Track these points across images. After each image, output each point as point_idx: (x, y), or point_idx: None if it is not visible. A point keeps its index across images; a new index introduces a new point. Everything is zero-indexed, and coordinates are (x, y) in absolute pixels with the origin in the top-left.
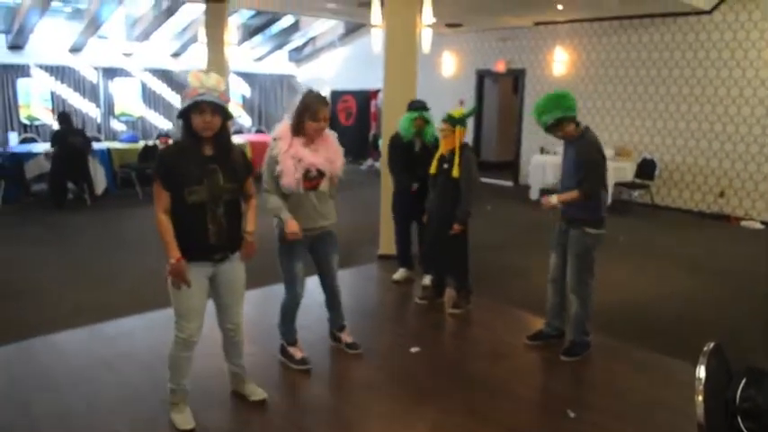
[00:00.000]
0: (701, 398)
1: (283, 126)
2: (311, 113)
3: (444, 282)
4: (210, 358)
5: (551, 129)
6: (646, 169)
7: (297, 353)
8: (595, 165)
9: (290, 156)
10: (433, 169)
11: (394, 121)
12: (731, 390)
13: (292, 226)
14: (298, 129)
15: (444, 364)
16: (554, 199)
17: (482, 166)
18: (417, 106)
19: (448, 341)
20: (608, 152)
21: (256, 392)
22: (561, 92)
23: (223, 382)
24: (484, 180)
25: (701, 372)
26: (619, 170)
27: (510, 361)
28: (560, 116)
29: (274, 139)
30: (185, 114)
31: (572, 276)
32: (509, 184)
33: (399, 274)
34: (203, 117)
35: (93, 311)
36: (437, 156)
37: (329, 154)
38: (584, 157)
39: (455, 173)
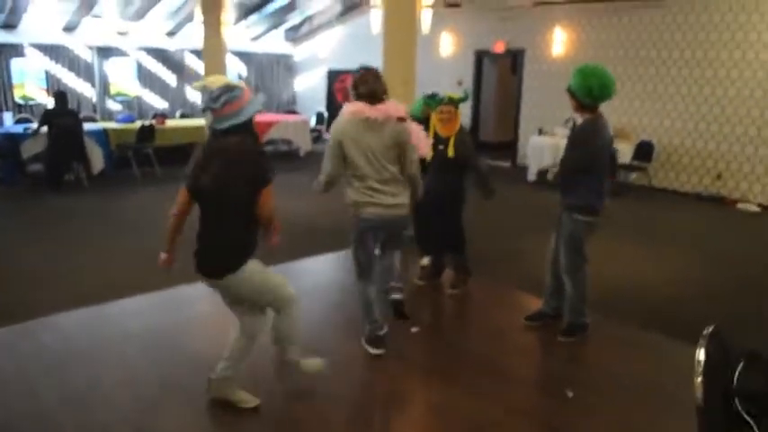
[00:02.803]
0: (699, 380)
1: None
2: None
3: (443, 262)
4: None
5: (570, 93)
6: (643, 151)
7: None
8: (582, 142)
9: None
10: (430, 155)
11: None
12: (730, 373)
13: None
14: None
15: (443, 343)
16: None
17: (480, 147)
18: (429, 97)
19: (447, 321)
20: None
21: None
22: (601, 74)
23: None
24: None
25: (701, 354)
26: (617, 152)
27: (508, 341)
28: (573, 89)
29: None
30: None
31: (564, 259)
32: (507, 164)
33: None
34: None
35: (93, 293)
36: (431, 138)
37: None
38: (577, 133)
39: (450, 152)
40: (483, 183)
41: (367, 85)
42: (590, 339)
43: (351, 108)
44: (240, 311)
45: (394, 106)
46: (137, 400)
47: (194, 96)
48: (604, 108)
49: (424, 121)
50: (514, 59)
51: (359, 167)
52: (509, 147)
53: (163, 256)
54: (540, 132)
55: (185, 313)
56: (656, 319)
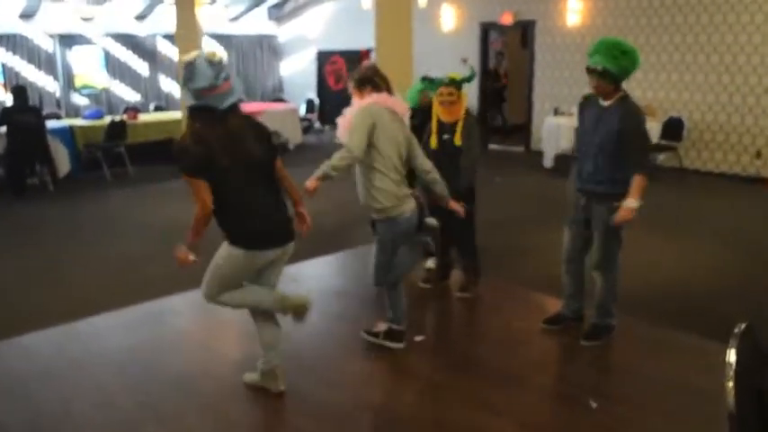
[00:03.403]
0: (731, 384)
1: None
2: None
3: (450, 263)
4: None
5: (591, 73)
6: (672, 129)
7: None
8: (645, 138)
9: None
10: (433, 143)
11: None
12: (764, 376)
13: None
14: None
15: (451, 353)
16: (633, 203)
17: (490, 131)
18: (427, 79)
19: (455, 328)
20: None
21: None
22: (631, 49)
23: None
24: (492, 147)
25: (732, 356)
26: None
27: (525, 348)
28: (610, 69)
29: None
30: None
31: (598, 252)
32: (520, 149)
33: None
34: None
35: (62, 310)
36: (434, 127)
37: None
38: (632, 128)
39: (457, 141)
40: (462, 175)
41: (383, 77)
42: (616, 342)
43: (375, 98)
44: (269, 289)
45: (401, 101)
46: (111, 424)
47: (170, 86)
48: (627, 84)
49: (421, 111)
50: (524, 32)
51: (390, 157)
52: (521, 130)
53: (186, 255)
54: (556, 112)
55: (162, 329)
56: (689, 318)
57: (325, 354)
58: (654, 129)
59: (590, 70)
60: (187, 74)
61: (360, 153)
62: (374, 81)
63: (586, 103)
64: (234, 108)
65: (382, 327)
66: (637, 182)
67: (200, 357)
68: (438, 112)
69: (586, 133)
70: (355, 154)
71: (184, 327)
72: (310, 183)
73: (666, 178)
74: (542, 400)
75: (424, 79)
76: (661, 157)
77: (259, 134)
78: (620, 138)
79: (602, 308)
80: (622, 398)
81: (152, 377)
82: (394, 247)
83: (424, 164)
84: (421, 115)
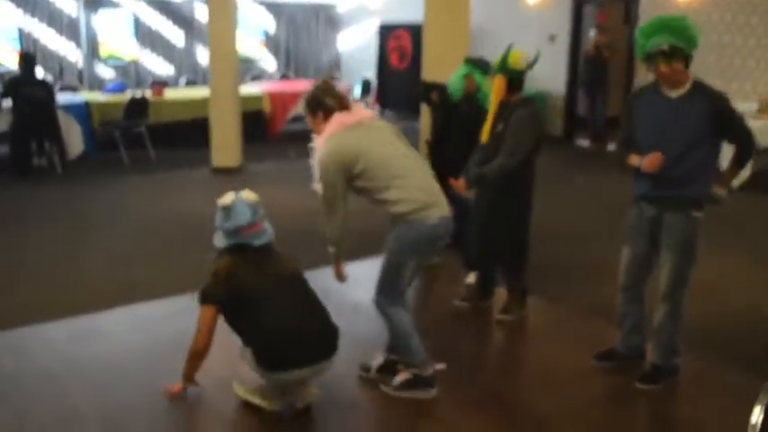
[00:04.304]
0: None
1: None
2: None
3: (493, 280)
4: None
5: (654, 58)
6: None
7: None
8: (738, 113)
9: None
10: (484, 137)
11: (436, 67)
12: None
13: None
14: None
15: (476, 387)
16: (721, 191)
17: (580, 124)
18: (473, 61)
19: (487, 357)
20: (750, 107)
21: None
22: (682, 18)
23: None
24: (581, 143)
25: (757, 414)
26: (762, 132)
27: (566, 388)
28: (678, 44)
29: None
30: None
31: (668, 277)
32: (613, 147)
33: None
34: None
35: (36, 310)
36: (490, 116)
37: None
38: (729, 107)
39: (484, 136)
40: (501, 157)
41: (333, 94)
42: (680, 388)
43: (332, 127)
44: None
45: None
46: None
47: (207, 59)
48: (750, 73)
49: (466, 100)
50: (627, 5)
51: (391, 165)
52: (618, 123)
53: (180, 388)
54: None
55: (142, 337)
56: None
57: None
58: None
59: (651, 56)
60: (224, 215)
61: (342, 208)
62: (325, 104)
63: (642, 97)
64: (267, 247)
65: (379, 359)
66: (734, 171)
67: (176, 368)
68: (493, 97)
69: (657, 131)
70: (340, 215)
71: (165, 336)
72: (337, 274)
73: None
74: None
75: (468, 62)
76: None
77: (290, 259)
78: (719, 122)
79: (666, 345)
80: None
81: (122, 391)
82: (411, 258)
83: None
84: (468, 105)
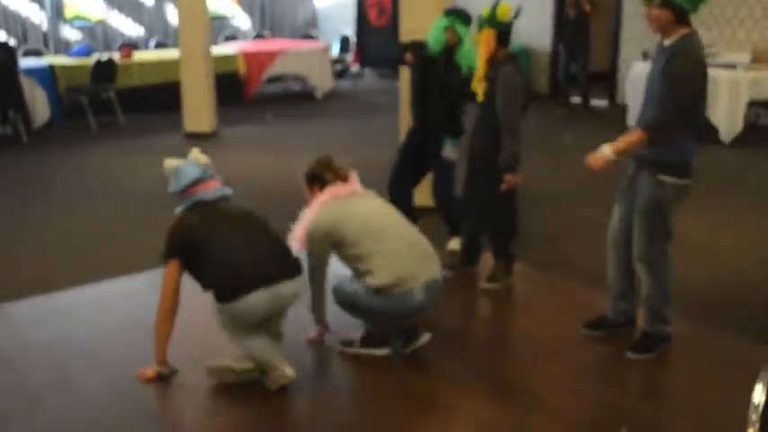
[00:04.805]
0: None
1: None
2: None
3: (479, 245)
4: None
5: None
6: None
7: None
8: (682, 81)
9: None
10: (481, 94)
11: (415, 22)
12: None
13: None
14: None
15: (464, 361)
16: (607, 150)
17: (567, 79)
18: (454, 12)
19: (473, 329)
20: (742, 57)
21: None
22: None
23: None
24: (572, 101)
25: (759, 394)
26: (756, 83)
27: (555, 359)
28: None
29: None
30: None
31: (639, 241)
32: (603, 103)
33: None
34: None
35: (21, 285)
36: (480, 74)
37: None
38: (677, 69)
39: (479, 95)
40: (504, 143)
41: (333, 168)
42: (673, 357)
43: (324, 197)
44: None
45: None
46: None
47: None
48: (741, 22)
49: (446, 53)
50: None
51: (373, 236)
52: (605, 79)
53: (154, 372)
54: (645, 57)
55: (111, 318)
56: None
57: (299, 353)
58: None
59: None
60: (174, 178)
61: (322, 278)
62: (323, 178)
63: (656, 48)
64: (223, 200)
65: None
66: (634, 134)
67: (140, 351)
68: (480, 53)
69: (646, 84)
70: (318, 282)
71: (133, 314)
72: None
73: None
74: (573, 430)
75: (449, 14)
76: None
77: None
78: (662, 80)
79: (651, 312)
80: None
81: (87, 372)
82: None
83: None
84: (445, 61)
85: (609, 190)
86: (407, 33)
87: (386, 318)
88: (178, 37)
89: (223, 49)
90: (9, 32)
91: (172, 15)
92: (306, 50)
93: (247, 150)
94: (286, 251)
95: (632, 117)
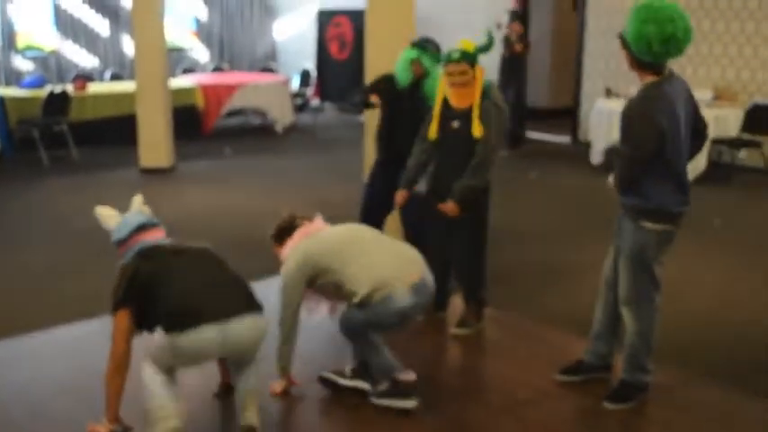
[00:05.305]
0: None
1: None
2: None
3: (447, 289)
4: None
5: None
6: (757, 119)
7: None
8: (630, 130)
9: None
10: (432, 133)
11: (380, 55)
12: None
13: None
14: None
15: (430, 413)
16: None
17: (529, 115)
18: (421, 44)
19: (442, 377)
20: (705, 94)
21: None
22: (664, 18)
23: None
24: (531, 135)
25: None
26: (719, 121)
27: (533, 408)
28: (627, 39)
29: None
30: None
31: (624, 284)
32: (566, 140)
33: None
34: None
35: None
36: (436, 111)
37: None
38: (632, 112)
39: (476, 131)
40: (471, 171)
41: (295, 217)
42: (649, 406)
43: (295, 240)
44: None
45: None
46: None
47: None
48: (703, 60)
49: (411, 88)
50: None
51: (344, 247)
52: (568, 115)
53: (110, 428)
54: (609, 94)
55: (67, 365)
56: (758, 376)
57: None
58: (732, 119)
59: None
60: (117, 227)
61: (293, 321)
62: (291, 226)
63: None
64: (169, 243)
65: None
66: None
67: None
68: (447, 94)
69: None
70: (289, 324)
71: (98, 362)
72: (277, 386)
73: (748, 181)
74: None
75: (416, 46)
76: (742, 155)
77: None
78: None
79: (632, 360)
80: None
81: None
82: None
83: None
84: (412, 93)
85: (576, 227)
86: (372, 67)
87: (379, 328)
88: (134, 69)
89: (181, 81)
90: None
91: (128, 46)
92: (265, 84)
93: (205, 186)
94: (244, 287)
95: (595, 155)
